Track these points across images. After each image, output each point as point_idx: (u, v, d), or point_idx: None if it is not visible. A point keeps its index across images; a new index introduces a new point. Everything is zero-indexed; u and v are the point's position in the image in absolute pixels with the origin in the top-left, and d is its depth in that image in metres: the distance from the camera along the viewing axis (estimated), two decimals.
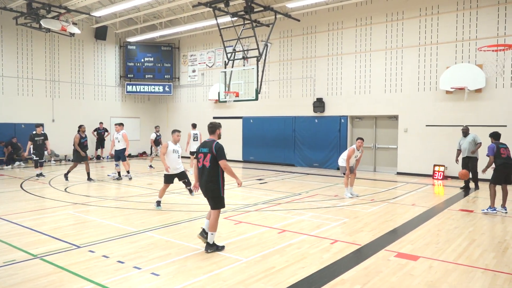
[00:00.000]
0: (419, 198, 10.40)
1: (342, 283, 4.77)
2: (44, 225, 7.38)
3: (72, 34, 17.20)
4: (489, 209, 8.48)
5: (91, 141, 20.83)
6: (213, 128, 6.13)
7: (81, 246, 6.08)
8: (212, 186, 5.90)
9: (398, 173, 15.31)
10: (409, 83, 15.00)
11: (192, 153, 15.17)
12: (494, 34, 13.24)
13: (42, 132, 13.89)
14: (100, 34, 21.14)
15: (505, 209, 8.55)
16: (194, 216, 8.21)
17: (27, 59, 18.81)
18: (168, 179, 8.90)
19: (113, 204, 9.38)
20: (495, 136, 8.79)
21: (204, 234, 5.98)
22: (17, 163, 17.63)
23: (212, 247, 5.87)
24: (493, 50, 11.78)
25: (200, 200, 9.89)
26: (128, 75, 22.46)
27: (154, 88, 22.69)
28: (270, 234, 6.85)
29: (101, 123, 20.76)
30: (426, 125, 14.65)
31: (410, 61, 14.96)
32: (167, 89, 22.77)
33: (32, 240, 6.44)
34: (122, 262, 5.38)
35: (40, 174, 13.74)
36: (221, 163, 5.86)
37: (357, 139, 10.31)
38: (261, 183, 12.93)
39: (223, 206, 5.99)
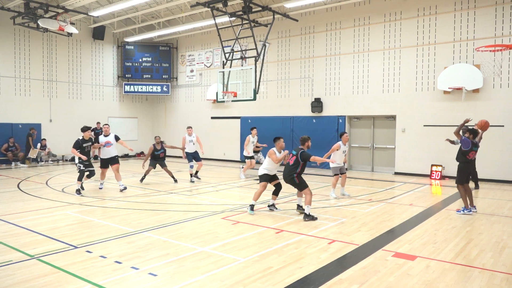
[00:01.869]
0: (417, 198, 10.42)
1: (340, 283, 4.77)
2: (41, 225, 7.36)
3: (70, 34, 17.17)
4: (464, 210, 8.50)
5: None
6: (303, 141, 8.34)
7: (79, 247, 6.07)
8: (291, 178, 8.15)
9: (396, 173, 15.33)
10: (407, 83, 15.02)
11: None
12: (491, 34, 13.28)
13: (90, 136, 10.98)
14: (98, 34, 21.11)
15: (475, 208, 8.66)
16: (191, 216, 8.20)
17: (24, 59, 18.76)
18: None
19: (110, 204, 9.36)
20: (474, 133, 8.65)
21: (300, 208, 8.42)
22: (13, 163, 17.59)
23: (309, 217, 7.81)
24: (490, 51, 11.80)
25: (197, 200, 9.90)
26: (126, 75, 22.43)
27: (152, 88, 22.68)
28: (268, 234, 6.85)
29: (98, 123, 20.68)
30: (424, 125, 14.67)
31: (408, 61, 14.98)
32: (165, 89, 22.76)
33: (29, 240, 6.42)
34: (120, 263, 5.37)
35: (79, 190, 10.68)
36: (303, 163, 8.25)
37: (343, 134, 10.34)
38: (258, 183, 12.90)
39: (306, 186, 8.10)
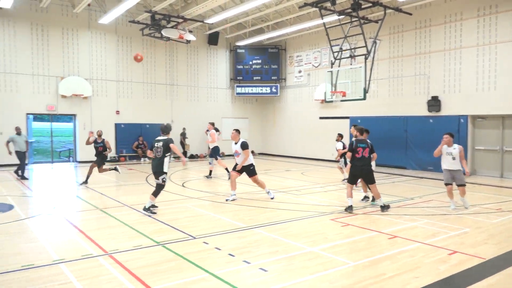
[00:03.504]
0: None
1: None
2: (164, 215, 8.13)
3: (188, 41, 18.60)
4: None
5: (204, 140, 22.36)
6: (362, 130, 9.01)
7: (197, 237, 6.56)
8: (368, 168, 8.77)
9: None
10: None
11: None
12: None
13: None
14: (212, 39, 22.53)
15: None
16: (299, 215, 8.26)
17: (150, 66, 20.90)
18: None
19: (223, 200, 9.90)
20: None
21: (366, 199, 9.59)
22: (142, 159, 19.76)
23: (385, 208, 8.60)
24: None
25: (305, 200, 9.94)
26: (238, 78, 23.53)
27: (262, 89, 23.41)
28: (379, 239, 6.57)
29: (212, 123, 22.11)
30: None
31: None
32: (274, 90, 23.31)
33: (155, 228, 7.14)
34: (233, 256, 5.66)
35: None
36: (374, 155, 9.12)
37: (446, 134, 8.86)
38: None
39: (374, 181, 8.81)
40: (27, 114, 17.74)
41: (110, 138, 19.67)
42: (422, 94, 16.50)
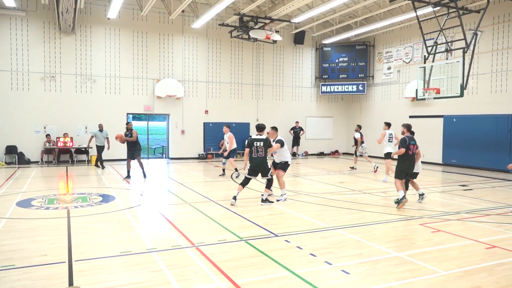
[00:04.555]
0: None
1: None
2: (248, 212, 8.36)
3: (274, 41, 18.86)
4: None
5: (289, 139, 22.50)
6: (410, 127, 9.38)
7: (279, 235, 6.64)
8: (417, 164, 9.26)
9: None
10: None
11: (387, 155, 13.26)
12: None
13: None
14: (299, 38, 22.52)
15: None
16: (385, 218, 7.92)
17: (237, 67, 21.59)
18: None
19: (306, 199, 9.88)
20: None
21: (420, 197, 9.48)
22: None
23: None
24: None
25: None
26: (323, 76, 23.24)
27: (348, 88, 22.83)
28: (475, 248, 6.03)
29: (297, 122, 22.17)
30: None
31: None
32: (360, 88, 22.59)
33: (239, 224, 7.39)
34: (314, 256, 5.63)
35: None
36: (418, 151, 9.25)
37: None
38: (464, 190, 11.50)
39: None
40: (127, 113, 19.46)
41: (199, 136, 20.78)
42: None
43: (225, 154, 13.47)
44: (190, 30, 20.23)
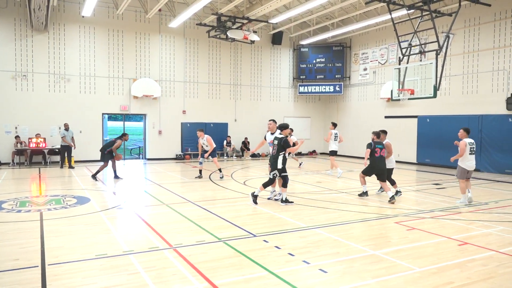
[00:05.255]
0: None
1: None
2: (227, 213, 8.33)
3: (252, 42, 18.88)
4: None
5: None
6: (379, 134, 10.06)
7: (257, 235, 6.64)
8: (384, 166, 9.90)
9: None
10: None
11: (332, 152, 14.77)
12: None
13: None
14: (276, 39, 22.62)
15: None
16: (362, 217, 8.05)
17: (215, 67, 21.50)
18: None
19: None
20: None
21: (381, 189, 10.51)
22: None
23: (392, 199, 9.41)
24: None
25: (368, 202, 9.65)
26: (301, 77, 23.42)
27: (325, 88, 23.08)
28: (448, 245, 6.20)
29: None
30: None
31: None
32: (337, 88, 22.88)
33: (217, 225, 7.35)
34: (293, 255, 5.66)
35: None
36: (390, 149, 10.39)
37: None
38: (438, 188, 11.81)
39: (385, 180, 9.95)
40: (103, 114, 19.10)
41: (176, 136, 20.59)
42: (500, 91, 15.28)
43: (206, 155, 13.36)
44: (167, 30, 20.03)
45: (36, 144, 16.98)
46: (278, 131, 9.39)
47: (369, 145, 9.91)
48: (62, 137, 16.33)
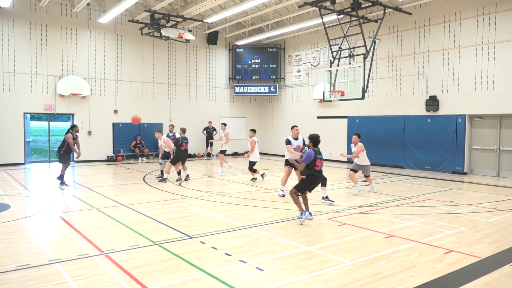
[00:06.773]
0: None
1: None
2: (162, 215, 8.13)
3: (187, 41, 18.59)
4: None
5: (202, 139, 22.36)
6: (315, 140, 7.96)
7: (194, 237, 6.56)
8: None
9: None
10: None
11: (222, 151, 15.52)
12: None
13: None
14: (212, 39, 22.52)
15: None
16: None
17: (149, 65, 20.88)
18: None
19: (220, 200, 9.92)
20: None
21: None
22: (140, 159, 19.77)
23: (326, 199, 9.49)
24: None
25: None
26: (236, 77, 23.52)
27: (260, 89, 23.40)
28: (376, 238, 6.58)
29: (210, 122, 22.15)
30: None
31: None
32: (272, 89, 23.31)
33: (152, 228, 7.14)
34: (229, 255, 5.66)
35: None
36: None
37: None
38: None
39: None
40: (25, 113, 17.71)
41: (108, 137, 19.69)
42: (420, 94, 16.53)
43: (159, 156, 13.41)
44: (97, 25, 19.08)
45: None
46: (302, 137, 10.50)
47: (307, 158, 7.48)
48: None
